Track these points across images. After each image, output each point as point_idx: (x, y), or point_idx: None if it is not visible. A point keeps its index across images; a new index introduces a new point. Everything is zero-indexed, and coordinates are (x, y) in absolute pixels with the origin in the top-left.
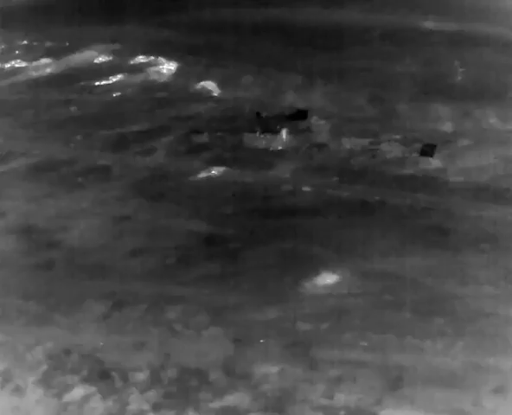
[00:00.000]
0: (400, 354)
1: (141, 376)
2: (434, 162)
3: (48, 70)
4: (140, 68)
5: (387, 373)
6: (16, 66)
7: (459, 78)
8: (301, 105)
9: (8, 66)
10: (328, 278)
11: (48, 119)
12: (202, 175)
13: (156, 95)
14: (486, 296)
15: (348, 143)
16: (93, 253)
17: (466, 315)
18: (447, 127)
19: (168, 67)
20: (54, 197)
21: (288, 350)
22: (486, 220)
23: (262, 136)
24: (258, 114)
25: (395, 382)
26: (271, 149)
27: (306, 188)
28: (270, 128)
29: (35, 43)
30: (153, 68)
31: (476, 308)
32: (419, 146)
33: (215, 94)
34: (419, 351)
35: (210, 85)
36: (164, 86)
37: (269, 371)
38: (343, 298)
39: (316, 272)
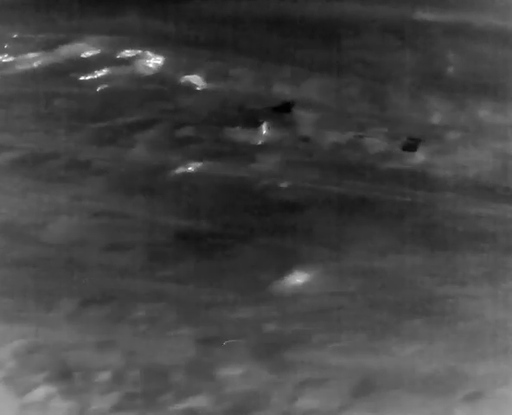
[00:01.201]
0: (370, 358)
1: (104, 376)
2: (419, 157)
3: (36, 64)
4: (127, 61)
5: (356, 376)
6: (4, 60)
7: (454, 70)
8: (291, 97)
9: None
10: (302, 277)
11: (34, 113)
12: (182, 169)
13: (144, 87)
14: (469, 297)
15: (332, 137)
16: (67, 250)
17: (446, 317)
18: (439, 120)
19: (154, 61)
20: (34, 192)
21: (255, 352)
22: (471, 215)
23: (243, 130)
24: (241, 107)
25: (363, 386)
26: (252, 143)
27: (285, 183)
28: (251, 122)
29: (24, 37)
30: (141, 61)
31: (459, 309)
32: (404, 140)
33: (200, 88)
34: (391, 354)
35: (195, 78)
36: (150, 80)
37: (234, 373)
38: (317, 298)
39: (292, 270)
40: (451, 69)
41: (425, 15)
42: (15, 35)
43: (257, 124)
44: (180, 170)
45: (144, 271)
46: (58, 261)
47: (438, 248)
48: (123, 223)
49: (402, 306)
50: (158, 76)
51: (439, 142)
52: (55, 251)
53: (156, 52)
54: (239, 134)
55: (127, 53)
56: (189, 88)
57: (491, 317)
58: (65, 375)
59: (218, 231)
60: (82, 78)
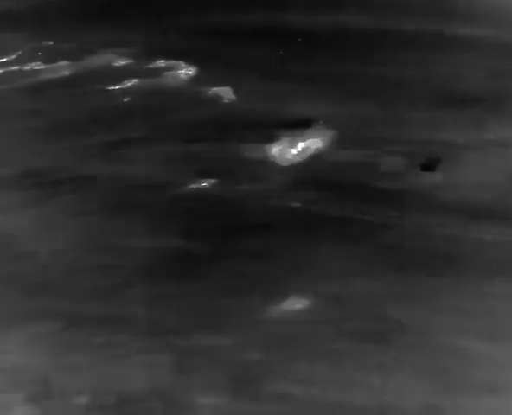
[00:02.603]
0: (345, 390)
1: (81, 400)
2: (434, 178)
3: (64, 73)
4: (157, 72)
5: (329, 410)
6: (36, 68)
7: (476, 86)
8: (310, 112)
9: (27, 68)
10: (288, 305)
11: (50, 124)
12: (187, 187)
13: (166, 101)
14: (453, 329)
15: (346, 155)
16: (53, 270)
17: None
18: (454, 138)
19: (186, 72)
20: (28, 207)
21: (232, 382)
22: (474, 241)
23: (255, 146)
24: (260, 123)
25: None
26: (262, 160)
27: (289, 204)
28: (264, 139)
29: (57, 46)
30: (171, 73)
31: (441, 340)
32: (421, 159)
33: (226, 101)
34: (367, 387)
35: (225, 91)
36: (175, 92)
37: (208, 402)
38: (301, 326)
39: (279, 297)
40: (472, 85)
41: (455, 29)
42: (50, 43)
43: (269, 142)
44: (186, 188)
45: (125, 293)
46: (45, 279)
47: (437, 275)
48: (112, 243)
49: (383, 336)
50: (183, 88)
51: (452, 162)
52: (43, 269)
53: (189, 62)
54: (251, 150)
55: (160, 63)
56: (212, 101)
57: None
58: (46, 396)
59: (209, 252)
60: (110, 88)
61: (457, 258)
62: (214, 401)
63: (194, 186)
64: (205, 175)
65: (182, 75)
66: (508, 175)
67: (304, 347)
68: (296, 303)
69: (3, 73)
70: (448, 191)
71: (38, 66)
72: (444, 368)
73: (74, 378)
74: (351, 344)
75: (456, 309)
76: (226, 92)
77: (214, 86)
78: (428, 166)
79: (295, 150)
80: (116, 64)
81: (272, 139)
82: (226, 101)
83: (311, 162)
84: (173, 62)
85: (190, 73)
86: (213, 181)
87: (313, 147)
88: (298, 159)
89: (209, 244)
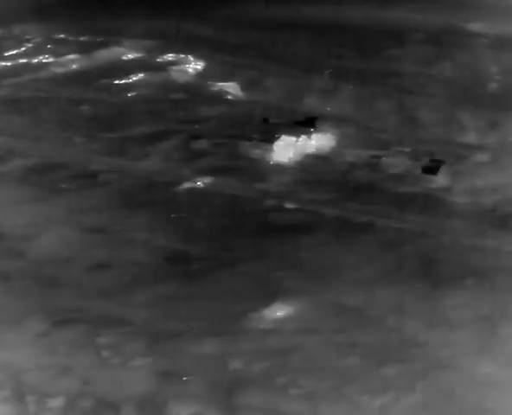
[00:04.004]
0: (331, 409)
1: (56, 402)
2: (438, 181)
3: (73, 66)
4: (164, 67)
5: None
6: (44, 61)
7: (494, 85)
8: (319, 109)
9: (35, 61)
10: (284, 310)
11: (56, 119)
12: (188, 185)
13: (171, 96)
14: (452, 344)
15: (351, 156)
16: (52, 266)
17: (423, 365)
18: (469, 139)
19: (194, 66)
20: (37, 202)
21: (212, 391)
22: (481, 249)
23: (259, 144)
24: (265, 120)
25: None
26: (266, 159)
27: (290, 205)
28: (268, 137)
29: (67, 38)
30: (178, 67)
31: (438, 358)
32: (427, 161)
33: (232, 97)
34: (354, 407)
35: (232, 86)
36: (182, 87)
37: (182, 412)
38: (291, 335)
39: (273, 302)
40: (492, 84)
41: (475, 25)
42: (61, 36)
43: (272, 141)
44: (186, 186)
45: (120, 293)
46: (38, 278)
47: (435, 286)
48: (113, 241)
49: (378, 352)
50: (190, 83)
51: (463, 163)
52: (38, 267)
53: (198, 56)
54: (254, 149)
55: (168, 56)
56: (219, 97)
57: (473, 370)
58: (20, 398)
59: (205, 254)
60: (115, 82)
61: (464, 266)
62: (191, 410)
63: (191, 184)
64: (206, 173)
65: (189, 70)
66: None
67: (295, 360)
68: (289, 311)
69: (11, 65)
70: (457, 195)
71: (46, 59)
72: (451, 391)
73: (54, 380)
74: (344, 358)
75: (463, 324)
76: (233, 88)
77: (220, 81)
78: (429, 168)
79: (298, 149)
80: (124, 58)
81: (275, 138)
82: (231, 97)
83: (314, 162)
84: (181, 56)
85: (198, 67)
86: (211, 179)
87: (319, 146)
88: (301, 158)
89: (203, 245)
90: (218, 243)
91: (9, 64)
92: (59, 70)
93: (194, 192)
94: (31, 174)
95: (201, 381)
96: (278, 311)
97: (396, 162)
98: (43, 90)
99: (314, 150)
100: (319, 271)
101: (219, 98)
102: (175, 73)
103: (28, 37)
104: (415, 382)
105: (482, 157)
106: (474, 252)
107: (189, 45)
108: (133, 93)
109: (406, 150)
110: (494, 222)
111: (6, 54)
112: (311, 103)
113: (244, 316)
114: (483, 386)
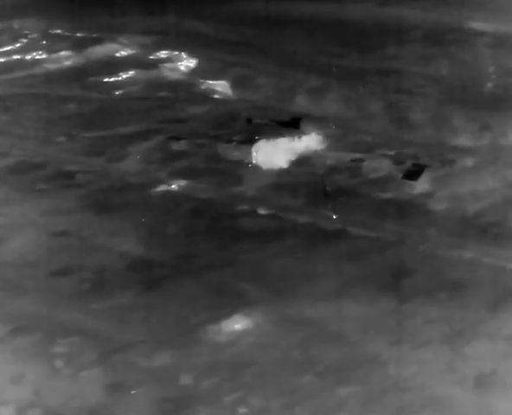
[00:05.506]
0: None
1: (6, 411)
2: (419, 186)
3: (66, 63)
4: (156, 64)
5: None
6: (37, 57)
7: (490, 86)
8: (306, 109)
9: (29, 57)
10: (239, 323)
11: (41, 117)
12: (162, 188)
13: (158, 94)
14: (416, 363)
15: (332, 159)
16: (16, 271)
17: (381, 386)
18: (459, 141)
19: (186, 64)
20: (10, 204)
21: (159, 406)
22: (458, 261)
23: (238, 146)
24: (248, 120)
25: None
26: (245, 161)
27: (263, 211)
28: (249, 138)
29: (61, 34)
30: (170, 64)
31: (398, 378)
32: (410, 165)
33: (220, 96)
34: None
35: (222, 84)
36: (170, 85)
37: None
38: (247, 349)
39: (230, 315)
40: (488, 84)
41: (476, 24)
42: (57, 31)
43: (250, 142)
44: (160, 189)
45: (78, 300)
46: (2, 283)
47: (405, 300)
48: (77, 246)
49: (335, 370)
50: (180, 81)
51: (449, 168)
52: (3, 271)
53: (191, 54)
54: (233, 151)
55: (161, 54)
56: (206, 96)
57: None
58: None
59: (168, 262)
60: (105, 80)
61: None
62: None
63: (165, 187)
64: (180, 175)
65: (181, 67)
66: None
67: (247, 376)
68: (248, 323)
69: (5, 62)
70: (438, 201)
71: (40, 55)
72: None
73: (5, 389)
74: (299, 376)
75: (429, 342)
76: (222, 86)
77: (211, 79)
78: (410, 173)
79: (279, 150)
80: (118, 55)
81: (255, 139)
82: (219, 96)
83: (294, 165)
84: (175, 54)
85: (191, 64)
86: (186, 182)
87: (301, 148)
88: (281, 161)
89: (168, 251)
90: (183, 249)
91: (2, 60)
92: (52, 67)
93: (167, 196)
94: (11, 174)
95: (149, 396)
96: (237, 324)
97: (378, 166)
98: (34, 86)
99: (296, 151)
100: (284, 282)
101: (206, 96)
102: (166, 71)
103: (25, 32)
104: (370, 404)
105: (469, 161)
106: (450, 264)
107: (184, 42)
108: (121, 91)
109: (390, 153)
110: (474, 231)
111: (0, 51)
112: (302, 102)
113: (201, 328)
114: (443, 409)
